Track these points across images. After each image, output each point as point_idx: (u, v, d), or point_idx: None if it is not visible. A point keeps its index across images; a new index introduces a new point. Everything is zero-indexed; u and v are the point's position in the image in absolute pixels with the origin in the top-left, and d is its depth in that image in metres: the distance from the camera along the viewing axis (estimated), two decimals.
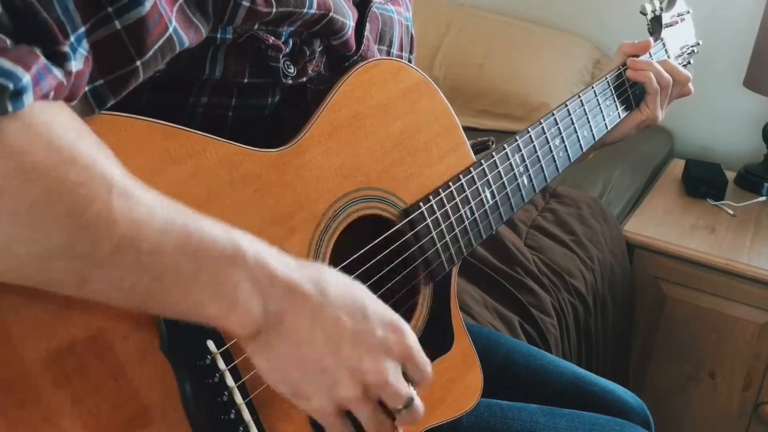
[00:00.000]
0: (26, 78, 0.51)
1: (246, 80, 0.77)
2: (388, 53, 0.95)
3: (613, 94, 1.16)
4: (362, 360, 0.67)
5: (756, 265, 2.04)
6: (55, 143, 0.53)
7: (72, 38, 0.56)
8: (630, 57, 1.21)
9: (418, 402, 0.71)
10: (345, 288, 0.68)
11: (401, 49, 0.99)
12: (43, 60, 0.53)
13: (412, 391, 0.71)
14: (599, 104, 1.13)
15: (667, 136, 2.61)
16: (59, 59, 0.55)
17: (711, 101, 2.48)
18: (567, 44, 2.53)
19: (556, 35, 2.56)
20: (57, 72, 0.54)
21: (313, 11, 0.75)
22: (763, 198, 2.32)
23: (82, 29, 0.57)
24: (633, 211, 2.27)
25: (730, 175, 2.40)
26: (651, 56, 1.23)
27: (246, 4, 0.69)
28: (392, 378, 0.69)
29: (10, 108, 0.50)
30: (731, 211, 2.25)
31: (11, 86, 0.50)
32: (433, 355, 0.94)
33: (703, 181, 2.31)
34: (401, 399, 0.70)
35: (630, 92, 1.20)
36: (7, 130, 0.51)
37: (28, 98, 0.52)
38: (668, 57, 1.29)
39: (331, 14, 0.78)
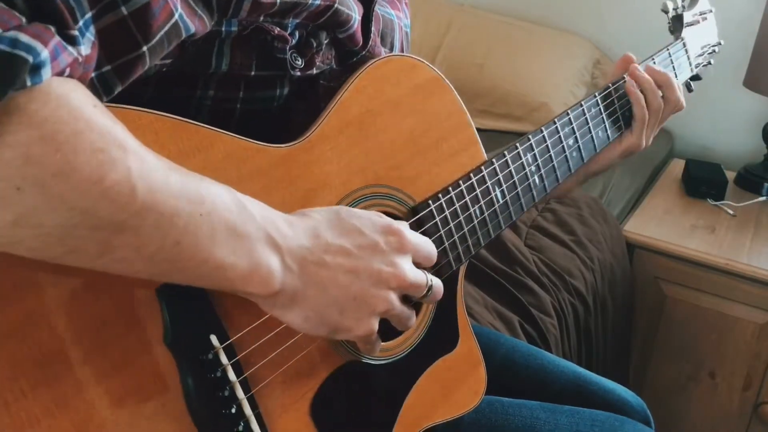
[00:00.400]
0: (44, 53, 0.52)
1: (253, 72, 0.77)
2: None
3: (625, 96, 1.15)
4: (381, 272, 0.72)
5: (756, 265, 2.04)
6: (74, 113, 0.54)
7: (80, 23, 0.57)
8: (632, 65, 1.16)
9: (436, 283, 0.78)
10: (334, 222, 0.72)
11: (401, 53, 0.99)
12: (57, 37, 0.54)
13: (428, 277, 0.77)
14: (615, 104, 1.12)
15: (667, 136, 2.61)
16: (70, 42, 0.55)
17: (711, 101, 2.48)
18: (567, 44, 2.53)
19: (556, 35, 2.56)
20: (72, 49, 0.55)
21: (318, 2, 0.75)
22: (763, 198, 2.32)
23: (90, 14, 0.58)
24: (633, 211, 2.27)
25: (730, 175, 2.40)
26: (654, 62, 1.21)
27: None
28: (410, 274, 0.74)
29: (29, 82, 0.51)
30: (731, 211, 2.26)
31: (31, 60, 0.51)
32: (437, 354, 0.94)
33: (703, 181, 2.32)
34: (423, 288, 0.76)
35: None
36: (28, 103, 0.52)
37: (47, 73, 0.52)
38: (688, 57, 1.28)
39: (336, 5, 0.78)
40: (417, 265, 0.77)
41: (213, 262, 0.63)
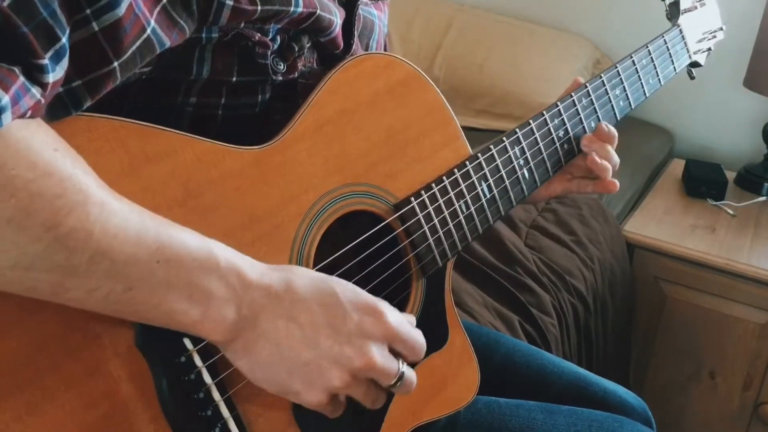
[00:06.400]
0: (5, 99, 0.52)
1: (234, 78, 0.76)
2: None
3: (623, 83, 1.13)
4: (343, 347, 0.68)
5: (756, 265, 2.04)
6: (33, 158, 0.55)
7: (63, 39, 0.57)
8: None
9: (408, 375, 0.72)
10: (315, 282, 0.70)
11: None
12: (21, 79, 0.54)
13: (401, 366, 0.72)
14: (608, 94, 1.11)
15: (667, 136, 2.60)
16: (37, 73, 0.55)
17: (711, 101, 2.48)
18: (567, 44, 2.53)
19: (556, 35, 2.56)
20: (35, 91, 0.55)
21: (300, 10, 0.75)
22: (763, 198, 2.32)
23: (68, 31, 0.57)
24: (633, 211, 2.27)
25: (730, 175, 2.40)
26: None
27: (230, 3, 0.68)
28: (378, 360, 0.70)
29: None
30: (731, 211, 2.25)
31: None
32: (426, 351, 0.93)
33: (703, 181, 2.31)
34: (391, 377, 0.71)
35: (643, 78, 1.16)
36: None
37: (7, 118, 0.53)
38: (686, 43, 1.27)
39: (318, 12, 0.77)
40: (394, 353, 0.72)
41: (166, 306, 0.63)
